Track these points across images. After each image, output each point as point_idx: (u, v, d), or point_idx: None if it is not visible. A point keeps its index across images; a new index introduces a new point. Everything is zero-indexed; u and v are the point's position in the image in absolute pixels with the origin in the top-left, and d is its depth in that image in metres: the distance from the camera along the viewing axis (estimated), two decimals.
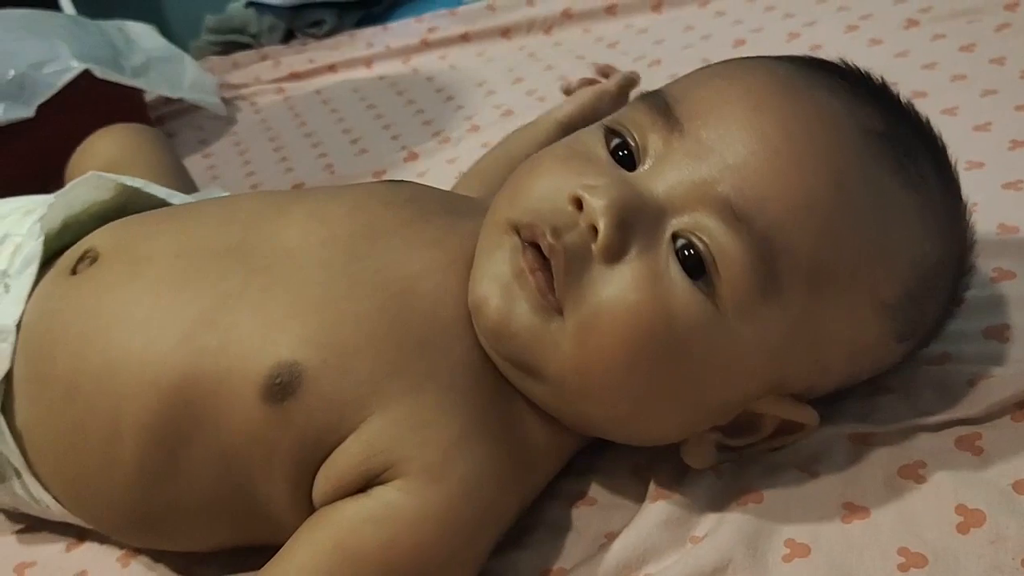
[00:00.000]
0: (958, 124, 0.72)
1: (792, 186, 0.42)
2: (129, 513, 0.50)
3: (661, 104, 0.45)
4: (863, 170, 0.43)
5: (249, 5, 1.42)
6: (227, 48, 1.44)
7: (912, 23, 0.91)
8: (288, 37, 1.40)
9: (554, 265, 0.43)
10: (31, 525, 0.60)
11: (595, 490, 0.51)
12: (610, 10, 1.16)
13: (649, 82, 0.94)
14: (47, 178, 0.78)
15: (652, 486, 0.50)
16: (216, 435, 0.46)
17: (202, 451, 0.46)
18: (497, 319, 0.45)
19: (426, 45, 1.24)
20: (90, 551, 0.57)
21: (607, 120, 0.48)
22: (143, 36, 1.18)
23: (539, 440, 0.49)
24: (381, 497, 0.44)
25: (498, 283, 0.45)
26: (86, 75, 1.01)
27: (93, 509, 0.52)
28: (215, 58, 1.42)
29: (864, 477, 0.47)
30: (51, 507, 0.54)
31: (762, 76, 0.46)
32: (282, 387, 0.45)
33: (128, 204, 0.62)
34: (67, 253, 0.56)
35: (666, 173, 0.44)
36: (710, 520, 0.47)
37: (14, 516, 0.61)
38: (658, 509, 0.48)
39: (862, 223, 0.43)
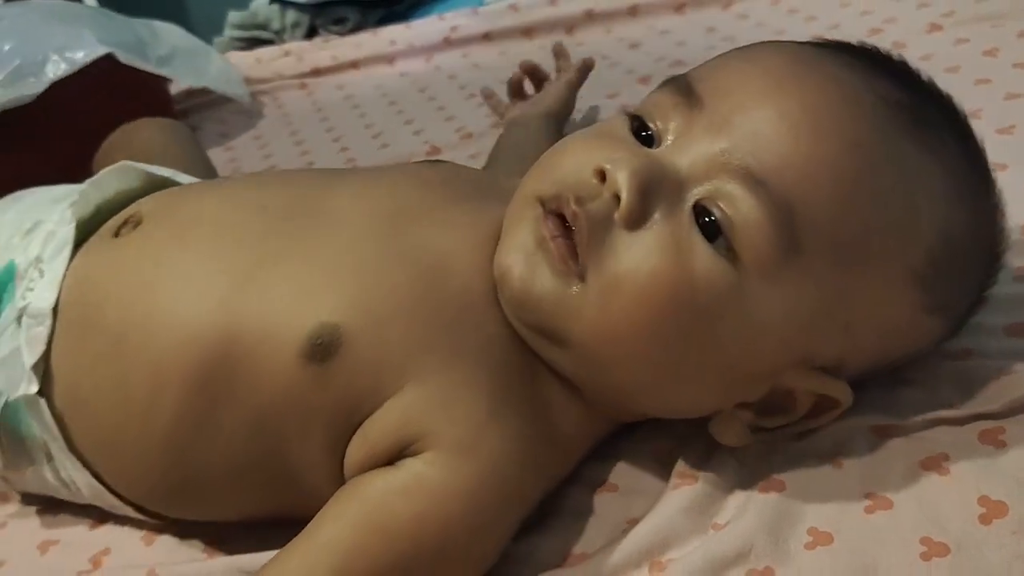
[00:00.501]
0: (981, 127, 0.71)
1: (810, 151, 0.43)
2: (162, 477, 0.51)
3: (683, 85, 0.47)
4: (882, 136, 0.44)
5: (273, 1, 1.43)
6: (250, 44, 1.46)
7: (935, 27, 0.91)
8: (311, 34, 1.41)
9: (577, 231, 0.44)
10: (54, 504, 0.60)
11: (617, 476, 0.52)
12: (632, 11, 1.16)
13: None
14: (72, 166, 0.79)
15: (674, 473, 0.50)
16: (254, 393, 0.47)
17: (239, 409, 0.47)
18: (520, 287, 0.46)
19: (448, 43, 1.25)
20: (113, 530, 0.57)
21: (633, 108, 0.49)
22: (169, 32, 1.19)
23: (567, 424, 0.49)
24: (410, 469, 0.45)
25: (522, 252, 0.46)
26: (111, 64, 1.02)
27: (126, 475, 0.53)
28: (238, 53, 1.43)
29: (887, 468, 0.47)
30: (81, 489, 0.54)
31: (782, 54, 0.47)
32: (323, 347, 0.46)
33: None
34: (110, 221, 0.57)
35: (687, 146, 0.45)
36: (732, 507, 0.47)
37: (39, 497, 0.62)
38: (680, 496, 0.48)
39: (883, 188, 0.44)
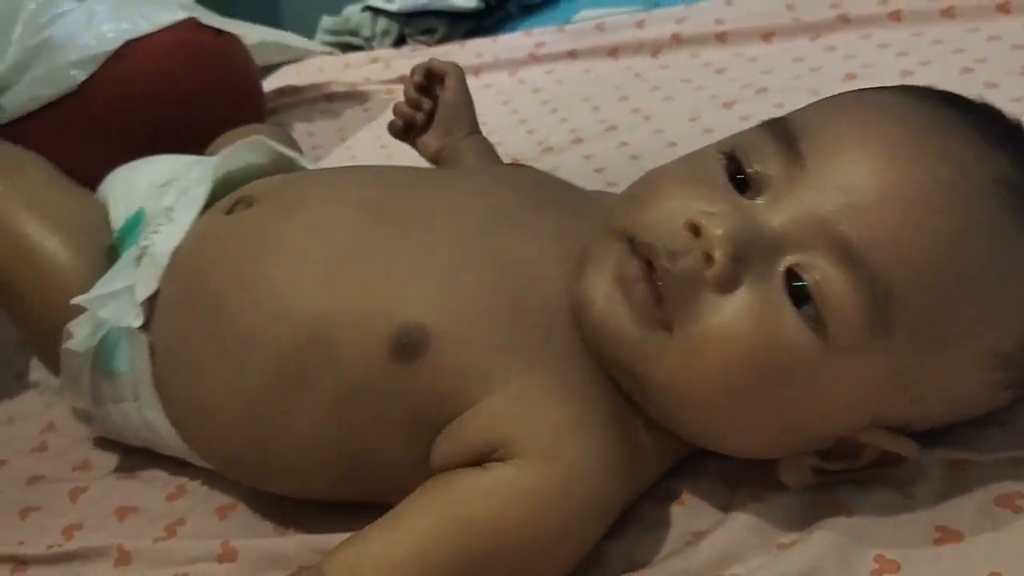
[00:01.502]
0: None
1: (913, 236, 0.42)
2: (242, 443, 0.52)
3: (786, 135, 0.45)
4: (988, 225, 0.43)
5: (365, 9, 1.46)
6: (340, 49, 1.50)
7: None
8: (400, 42, 1.44)
9: (666, 288, 0.44)
10: (133, 469, 0.63)
11: (684, 490, 0.52)
12: (720, 37, 1.17)
13: (755, 109, 0.96)
14: (165, 133, 0.82)
15: (741, 492, 0.50)
16: (338, 378, 0.48)
17: (322, 390, 0.49)
18: (600, 320, 0.46)
19: (533, 59, 1.27)
20: (189, 502, 0.60)
21: (728, 144, 0.48)
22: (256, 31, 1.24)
23: (646, 440, 0.49)
24: (496, 472, 0.45)
25: (603, 287, 0.46)
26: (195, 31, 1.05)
27: (208, 436, 0.55)
28: (327, 58, 1.47)
29: (959, 503, 0.47)
30: (160, 431, 0.57)
31: (894, 118, 0.45)
32: (410, 347, 0.47)
33: (279, 172, 0.66)
34: (224, 199, 0.60)
35: (785, 207, 0.44)
36: (798, 529, 0.47)
37: (119, 464, 0.64)
38: (747, 513, 0.48)
39: (981, 279, 0.42)
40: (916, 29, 1.06)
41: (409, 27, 1.41)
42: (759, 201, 0.45)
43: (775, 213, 0.44)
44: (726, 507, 0.50)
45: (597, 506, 0.47)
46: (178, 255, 0.57)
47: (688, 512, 0.51)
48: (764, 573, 0.45)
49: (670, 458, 0.52)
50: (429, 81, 0.76)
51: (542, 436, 0.45)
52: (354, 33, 1.47)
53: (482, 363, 0.47)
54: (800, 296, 0.43)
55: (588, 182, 0.88)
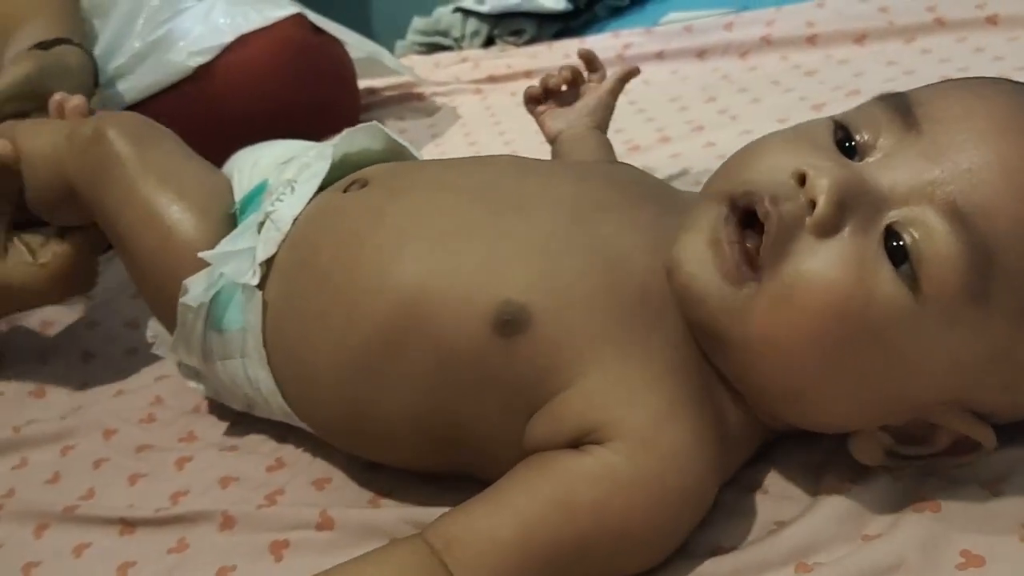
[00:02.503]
0: None
1: (1022, 205, 0.42)
2: (339, 406, 0.55)
3: (902, 105, 0.46)
4: None
5: (456, 10, 1.50)
6: (430, 49, 1.53)
7: None
8: (488, 43, 1.47)
9: (767, 230, 0.44)
10: (235, 441, 0.67)
11: (768, 481, 0.53)
12: (811, 40, 1.16)
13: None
14: (268, 125, 0.85)
15: (826, 483, 0.51)
16: (437, 349, 0.50)
17: (421, 359, 0.51)
18: (686, 282, 0.47)
19: (621, 60, 1.28)
20: (288, 473, 0.62)
21: (838, 115, 0.48)
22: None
23: (735, 427, 0.50)
24: (599, 456, 0.46)
25: (695, 249, 0.47)
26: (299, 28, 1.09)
27: (309, 398, 0.58)
28: (418, 57, 1.51)
29: None
30: (262, 388, 0.59)
31: (1007, 97, 0.45)
32: (512, 324, 0.48)
33: (390, 161, 0.69)
34: (340, 181, 0.63)
35: (895, 167, 0.44)
36: (884, 521, 0.48)
37: (222, 436, 0.68)
38: (831, 504, 0.49)
39: None
40: (1013, 33, 1.04)
41: (498, 28, 1.44)
42: (869, 161, 0.45)
43: (884, 171, 0.44)
44: (811, 497, 0.51)
45: (695, 493, 0.47)
46: (296, 225, 0.60)
47: (772, 501, 0.52)
48: (848, 563, 0.45)
49: (754, 445, 0.53)
50: (588, 69, 0.83)
51: (640, 422, 0.46)
52: (444, 34, 1.50)
53: (580, 345, 0.48)
54: (898, 256, 0.43)
55: (674, 181, 0.89)
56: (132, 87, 1.00)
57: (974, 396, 0.46)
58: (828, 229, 0.44)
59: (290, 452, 0.64)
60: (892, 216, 0.44)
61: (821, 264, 0.44)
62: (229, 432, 0.68)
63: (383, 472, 0.59)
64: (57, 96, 0.76)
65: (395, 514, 0.55)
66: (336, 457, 0.61)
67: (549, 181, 0.57)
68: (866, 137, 0.46)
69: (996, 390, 0.45)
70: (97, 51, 0.97)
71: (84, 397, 0.76)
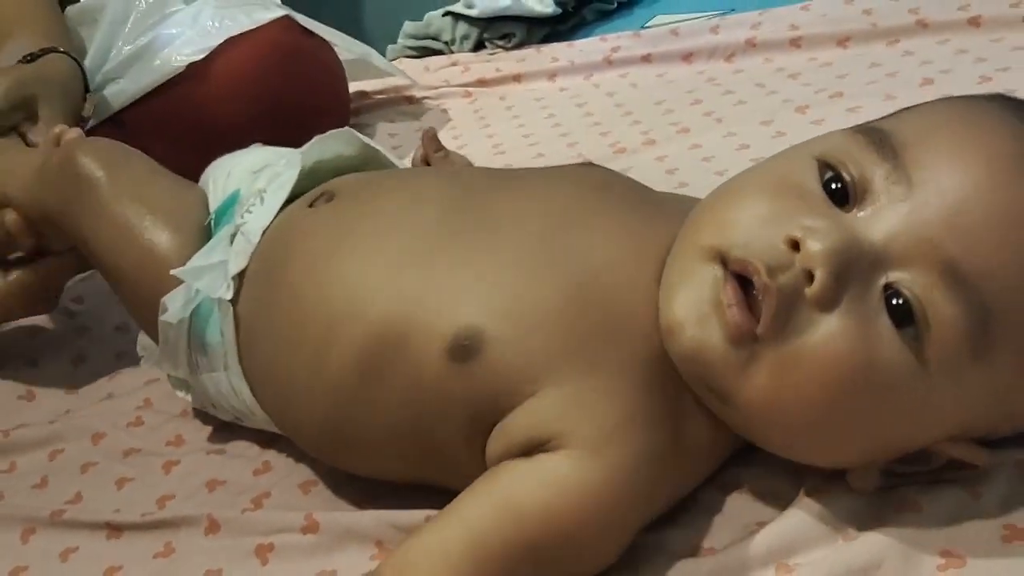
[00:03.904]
0: None
1: (1021, 259, 0.42)
2: (322, 425, 0.55)
3: (886, 144, 0.45)
4: None
5: (446, 14, 1.50)
6: (420, 53, 1.53)
7: None
8: (478, 47, 1.47)
9: (766, 305, 0.43)
10: (222, 446, 0.67)
11: (749, 481, 0.53)
12: (795, 42, 1.17)
13: (829, 113, 0.97)
14: (256, 127, 0.85)
15: (806, 483, 0.51)
16: (403, 376, 0.50)
17: (391, 386, 0.51)
18: (692, 347, 0.46)
19: (608, 63, 1.28)
20: (274, 476, 0.63)
21: (821, 152, 0.46)
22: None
23: (702, 437, 0.50)
24: (545, 462, 0.47)
25: (696, 312, 0.46)
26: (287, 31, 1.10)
27: (286, 411, 0.58)
28: (408, 60, 1.51)
29: None
30: (246, 400, 0.60)
31: (1002, 133, 0.44)
32: (466, 349, 0.48)
33: (365, 166, 0.70)
34: (308, 193, 0.63)
35: (888, 222, 0.43)
36: (864, 521, 0.48)
37: (209, 440, 0.68)
38: (811, 504, 0.49)
39: None
40: (995, 35, 1.04)
41: (488, 32, 1.44)
42: (859, 215, 0.44)
43: (877, 227, 0.43)
44: (791, 498, 0.51)
45: (643, 499, 0.48)
46: (264, 238, 0.60)
47: (752, 502, 0.52)
48: (827, 564, 0.46)
49: (729, 449, 0.53)
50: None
51: (591, 432, 0.46)
52: (434, 37, 1.50)
53: (537, 366, 0.48)
54: (898, 314, 0.42)
55: (661, 183, 0.89)
56: (121, 90, 1.00)
57: (974, 428, 0.46)
58: (829, 302, 0.43)
59: (276, 456, 0.64)
60: (890, 277, 0.43)
61: (825, 337, 0.43)
62: (216, 436, 0.68)
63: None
64: (56, 129, 0.76)
65: (379, 517, 0.55)
66: (322, 462, 0.61)
67: (518, 195, 0.56)
68: (855, 177, 0.45)
69: (997, 418, 0.46)
70: (87, 59, 0.97)
71: (73, 401, 0.77)
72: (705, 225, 0.48)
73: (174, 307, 0.61)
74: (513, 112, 1.21)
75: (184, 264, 0.62)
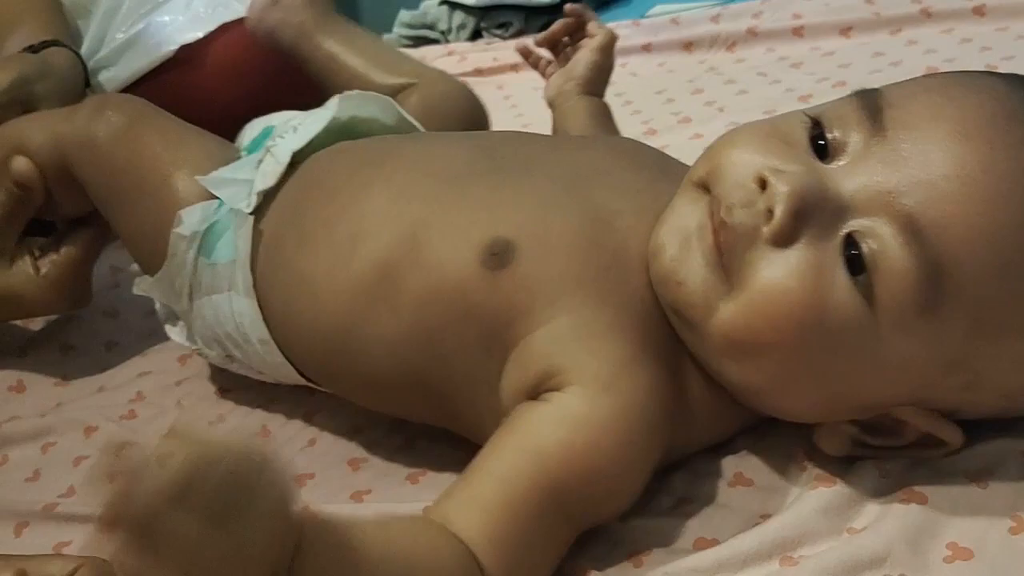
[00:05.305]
0: None
1: (979, 218, 0.42)
2: (330, 333, 0.55)
3: (873, 105, 0.46)
4: None
5: (442, 3, 1.49)
6: (417, 43, 1.52)
7: None
8: (475, 36, 1.46)
9: (723, 240, 0.46)
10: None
11: (753, 473, 0.53)
12: (797, 31, 1.16)
13: None
14: (247, 114, 0.85)
15: (812, 475, 0.50)
16: (427, 279, 0.52)
17: (412, 287, 0.52)
18: (669, 266, 0.48)
19: None
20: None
21: (815, 109, 0.49)
22: None
23: (696, 388, 0.51)
24: (557, 401, 0.48)
25: (679, 234, 0.48)
26: None
27: (295, 324, 0.58)
28: (405, 50, 1.50)
29: None
30: (247, 324, 0.60)
31: (980, 99, 0.45)
32: (498, 259, 0.51)
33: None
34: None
35: (857, 173, 0.45)
36: (870, 513, 0.48)
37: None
38: (817, 496, 0.49)
39: None
40: (1001, 24, 1.04)
41: (485, 21, 1.43)
42: (837, 165, 0.46)
43: (847, 178, 0.45)
44: (796, 490, 0.50)
45: (655, 433, 0.48)
46: (307, 162, 0.62)
47: (757, 493, 0.51)
48: (833, 555, 0.45)
49: (729, 421, 0.53)
50: (578, 29, 0.83)
51: (600, 369, 0.47)
52: (431, 27, 1.49)
53: (556, 287, 0.50)
54: (856, 265, 0.43)
55: None
56: (115, 77, 1.00)
57: (934, 396, 0.46)
58: (784, 239, 0.44)
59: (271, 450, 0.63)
60: (852, 225, 0.44)
61: (777, 274, 0.44)
62: (210, 429, 0.67)
63: (365, 469, 0.58)
64: None
65: (376, 511, 0.54)
66: (318, 453, 0.61)
67: (549, 146, 0.60)
68: (837, 135, 0.46)
69: (957, 390, 0.46)
70: (83, 49, 0.97)
71: (65, 393, 0.76)
72: (699, 163, 0.50)
73: (190, 220, 0.62)
74: (511, 102, 1.20)
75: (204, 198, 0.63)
